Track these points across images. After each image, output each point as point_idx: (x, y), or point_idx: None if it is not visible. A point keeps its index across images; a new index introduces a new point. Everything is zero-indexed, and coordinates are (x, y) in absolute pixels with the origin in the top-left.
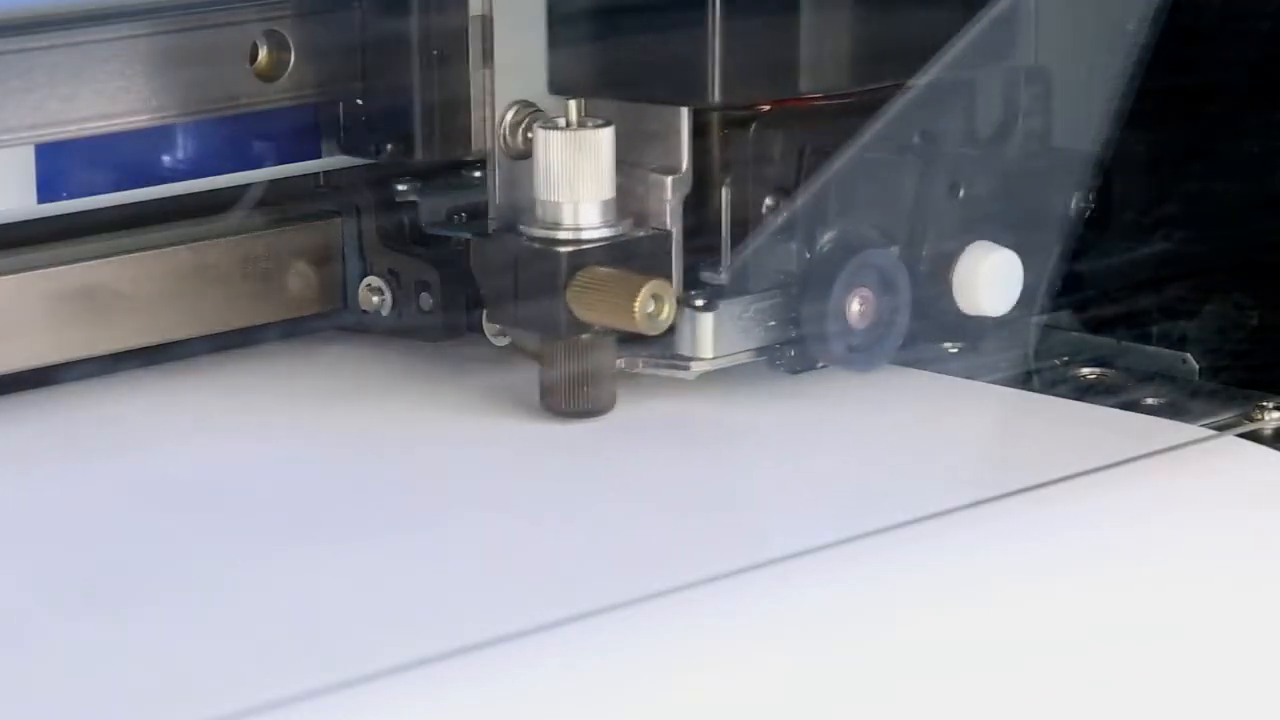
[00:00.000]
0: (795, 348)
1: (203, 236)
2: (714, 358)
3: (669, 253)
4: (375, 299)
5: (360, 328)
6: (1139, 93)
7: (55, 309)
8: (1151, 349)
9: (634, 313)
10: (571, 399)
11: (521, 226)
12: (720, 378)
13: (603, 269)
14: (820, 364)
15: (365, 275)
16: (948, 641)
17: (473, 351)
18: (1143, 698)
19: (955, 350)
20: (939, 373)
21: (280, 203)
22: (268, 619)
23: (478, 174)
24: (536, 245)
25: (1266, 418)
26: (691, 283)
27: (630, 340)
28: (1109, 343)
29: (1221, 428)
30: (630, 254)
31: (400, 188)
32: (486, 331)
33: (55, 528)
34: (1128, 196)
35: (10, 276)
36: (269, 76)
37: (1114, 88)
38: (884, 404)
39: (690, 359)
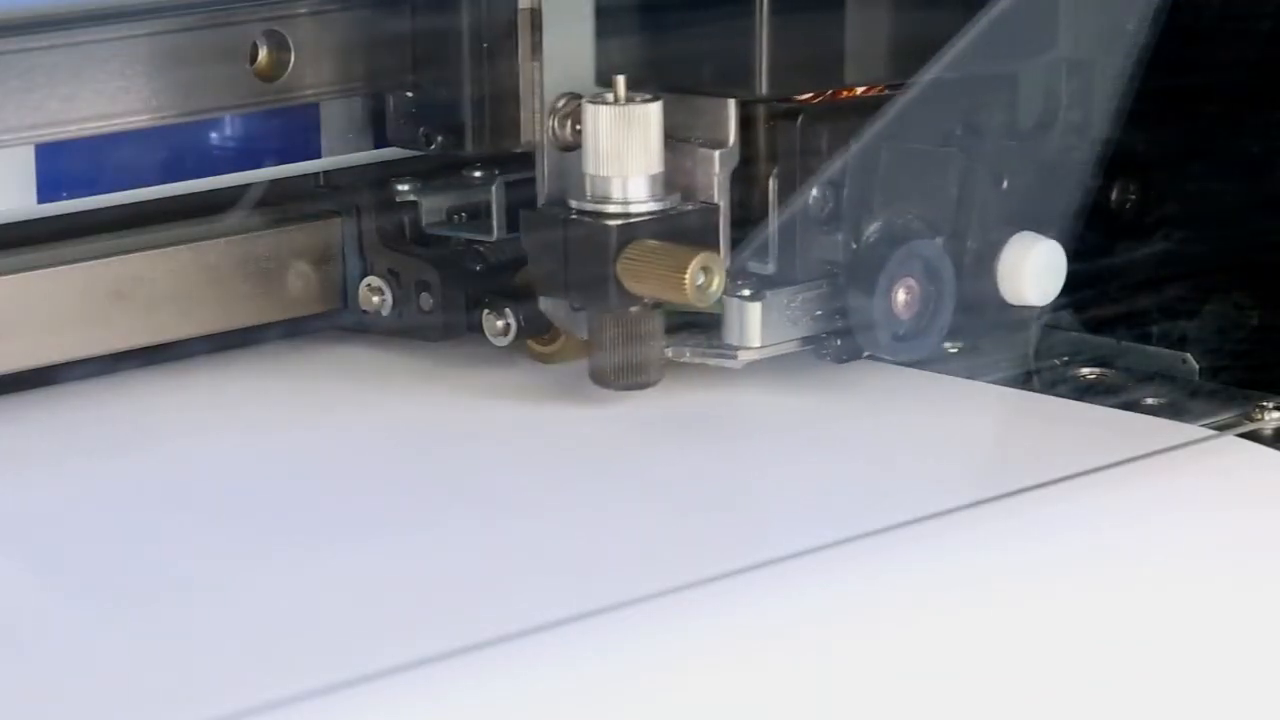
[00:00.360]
0: (841, 337)
1: (203, 236)
2: (761, 346)
3: (717, 226)
4: (375, 299)
5: (360, 328)
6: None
7: (55, 309)
8: (1151, 349)
9: (684, 284)
10: (620, 372)
11: (571, 201)
12: (710, 375)
13: (653, 242)
14: (866, 353)
15: (365, 275)
16: (948, 642)
17: (473, 351)
18: (1143, 698)
19: (955, 350)
20: (939, 373)
21: (280, 203)
22: (272, 619)
23: (478, 174)
24: (586, 219)
25: (1266, 418)
26: (739, 272)
27: (677, 329)
28: (1109, 343)
29: (1221, 428)
30: (679, 227)
31: (400, 188)
32: (486, 331)
33: (56, 528)
34: (1127, 195)
35: (11, 276)
36: (269, 76)
37: (1118, 84)
38: (883, 404)
39: (738, 348)
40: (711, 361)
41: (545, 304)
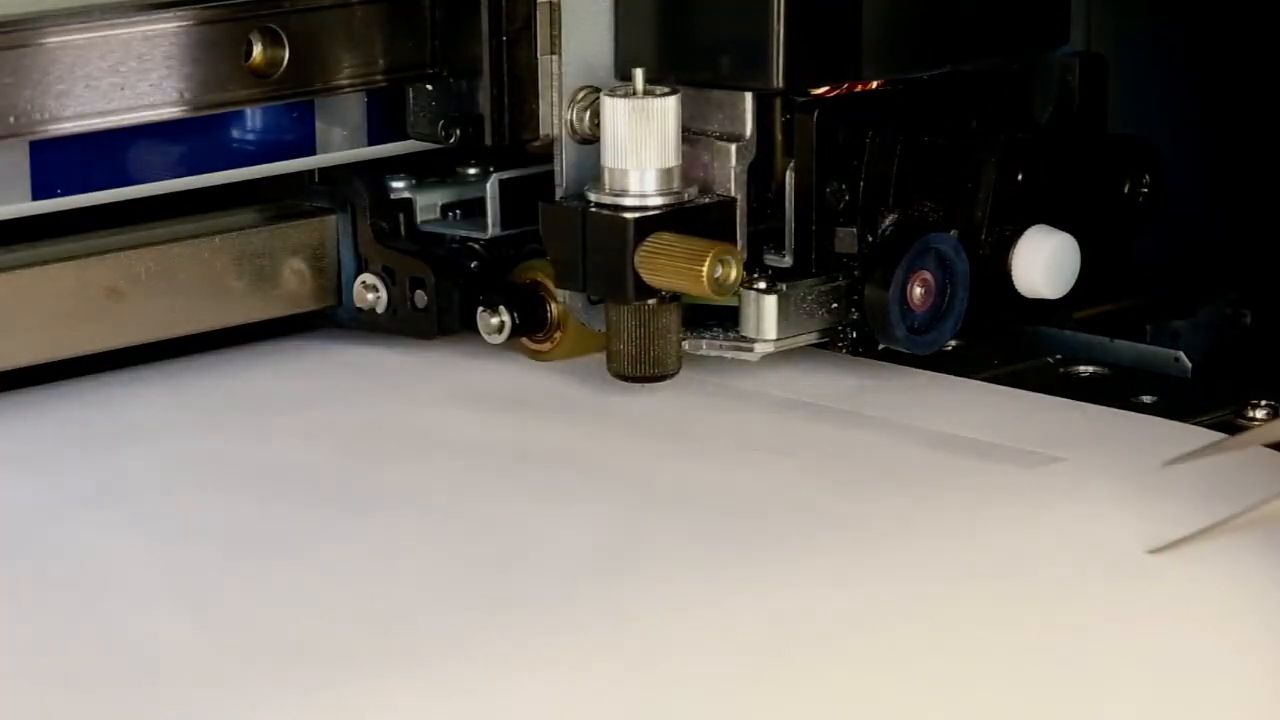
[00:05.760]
0: (857, 330)
1: (198, 233)
2: (777, 339)
3: (734, 219)
4: (370, 296)
5: (355, 325)
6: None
7: (52, 306)
8: (1145, 347)
9: (702, 277)
10: (638, 365)
11: (589, 194)
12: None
13: (670, 234)
14: (881, 346)
15: (360, 272)
16: (947, 638)
17: (468, 348)
18: (1142, 697)
19: (950, 349)
20: (936, 371)
21: (275, 199)
22: (272, 618)
23: (472, 171)
24: (604, 212)
25: (1259, 416)
26: (755, 265)
27: (694, 322)
28: (1104, 341)
29: (1215, 426)
30: (696, 220)
31: (395, 184)
32: (481, 329)
33: (54, 527)
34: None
35: (7, 274)
36: (264, 73)
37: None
38: (880, 403)
39: (754, 340)
40: (728, 354)
41: (563, 296)
